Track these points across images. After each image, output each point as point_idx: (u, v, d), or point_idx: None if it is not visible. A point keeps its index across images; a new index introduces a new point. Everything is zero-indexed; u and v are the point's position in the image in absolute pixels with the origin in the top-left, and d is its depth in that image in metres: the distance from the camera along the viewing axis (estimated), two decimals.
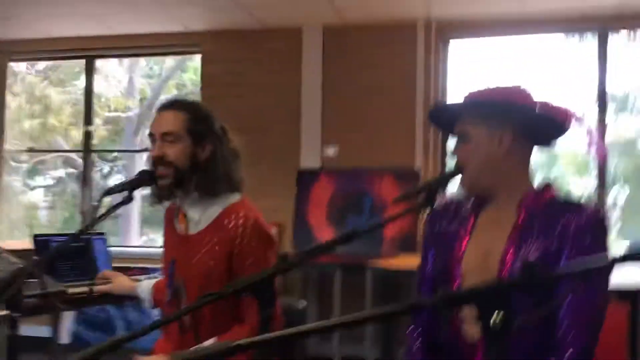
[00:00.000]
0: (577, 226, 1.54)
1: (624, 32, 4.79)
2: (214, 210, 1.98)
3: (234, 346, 0.90)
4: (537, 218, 1.60)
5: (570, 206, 1.59)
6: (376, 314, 0.91)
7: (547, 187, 1.66)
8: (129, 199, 1.88)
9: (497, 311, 0.88)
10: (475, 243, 1.66)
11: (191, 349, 1.65)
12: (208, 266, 1.95)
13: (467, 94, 1.70)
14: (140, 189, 1.93)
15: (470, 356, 1.60)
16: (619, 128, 6.65)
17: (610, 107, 4.95)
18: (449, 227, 1.74)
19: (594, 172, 4.76)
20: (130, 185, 1.89)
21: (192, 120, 1.96)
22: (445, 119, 1.76)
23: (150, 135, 1.96)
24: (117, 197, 1.90)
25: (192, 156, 1.94)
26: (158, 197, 1.97)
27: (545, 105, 1.67)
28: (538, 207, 1.61)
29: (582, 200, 1.62)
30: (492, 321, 0.87)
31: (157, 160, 1.92)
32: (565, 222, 1.55)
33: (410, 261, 3.95)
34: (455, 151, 1.69)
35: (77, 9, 4.72)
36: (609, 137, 4.95)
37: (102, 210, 1.85)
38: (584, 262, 0.93)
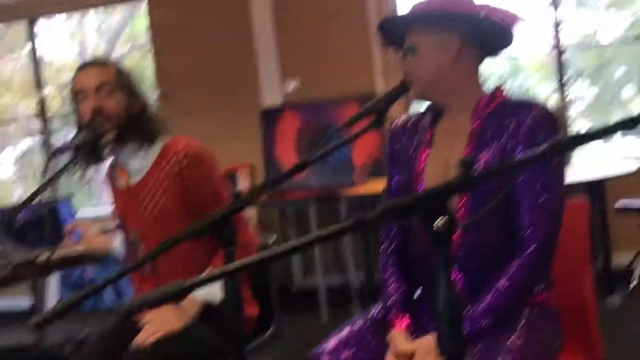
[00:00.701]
0: (529, 123, 1.56)
1: None
2: (152, 153, 1.98)
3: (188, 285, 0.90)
4: (491, 122, 1.62)
5: (521, 106, 1.61)
6: (325, 233, 0.91)
7: (497, 91, 1.67)
8: (76, 159, 1.85)
9: (441, 216, 0.89)
10: (435, 155, 1.68)
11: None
12: (161, 208, 1.95)
13: (413, 5, 1.68)
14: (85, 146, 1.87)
15: None
16: (578, 25, 6.63)
17: (568, 5, 4.91)
18: (408, 144, 1.76)
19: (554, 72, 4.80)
20: (76, 144, 1.84)
21: (120, 73, 1.95)
22: (395, 35, 1.74)
23: (80, 91, 1.91)
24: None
25: (128, 107, 1.93)
26: (96, 155, 1.94)
27: (489, 9, 1.66)
28: (491, 112, 1.63)
29: (532, 99, 1.64)
30: (435, 226, 0.88)
31: (96, 113, 1.87)
32: (517, 121, 1.58)
33: (381, 185, 3.99)
34: (404, 64, 1.68)
35: None
36: (567, 35, 4.94)
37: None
38: (518, 159, 0.93)
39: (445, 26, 1.62)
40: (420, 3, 1.66)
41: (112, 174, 2.07)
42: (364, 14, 4.67)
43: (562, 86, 4.73)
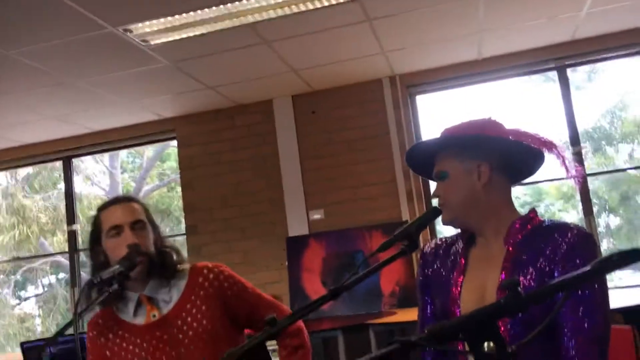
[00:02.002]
0: (566, 246, 1.53)
1: (582, 67, 4.91)
2: (179, 282, 2.00)
3: None
4: (526, 245, 1.59)
5: (557, 228, 1.58)
6: (372, 356, 0.89)
7: (531, 213, 1.66)
8: (114, 290, 1.85)
9: (487, 342, 0.87)
10: (470, 281, 1.65)
11: None
12: (203, 330, 1.93)
13: (442, 130, 1.72)
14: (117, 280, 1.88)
15: None
16: (599, 160, 6.76)
17: (587, 143, 5.01)
18: (441, 269, 1.73)
19: (579, 202, 4.78)
20: (115, 275, 1.85)
21: (147, 210, 2.04)
22: (422, 162, 1.77)
23: (115, 227, 1.94)
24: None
25: (156, 242, 2.00)
26: (115, 292, 1.91)
27: (518, 132, 1.70)
28: (525, 235, 1.61)
29: (567, 222, 1.62)
30: (484, 349, 0.85)
31: (135, 249, 1.90)
32: (554, 244, 1.55)
33: (411, 315, 3.89)
34: (436, 190, 1.70)
35: (45, 112, 4.77)
36: (590, 168, 4.98)
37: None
38: (561, 279, 0.92)
39: (474, 150, 1.64)
40: (450, 128, 1.69)
41: (137, 311, 2.02)
42: (388, 145, 4.82)
43: (588, 215, 4.67)
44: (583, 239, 1.54)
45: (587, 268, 0.89)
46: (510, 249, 1.60)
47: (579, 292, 1.50)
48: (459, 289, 1.65)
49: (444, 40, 4.32)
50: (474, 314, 0.88)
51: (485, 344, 0.87)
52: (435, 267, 1.76)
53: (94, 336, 2.02)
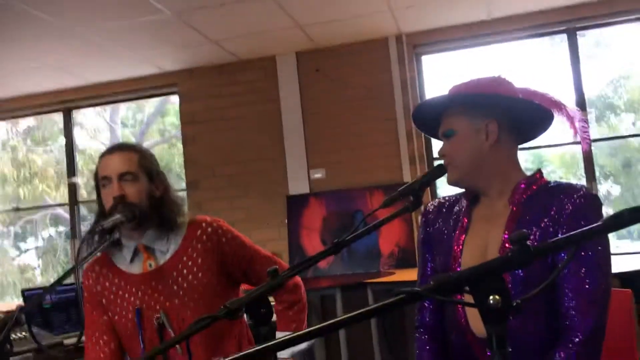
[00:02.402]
0: (571, 207, 1.52)
1: (590, 32, 4.82)
2: (178, 233, 2.00)
3: None
4: (531, 205, 1.58)
5: (562, 189, 1.57)
6: (373, 308, 0.88)
7: (536, 174, 1.65)
8: (112, 239, 1.85)
9: (492, 295, 0.86)
10: (472, 239, 1.64)
11: None
12: (198, 283, 1.94)
13: (450, 87, 1.69)
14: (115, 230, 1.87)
15: (481, 351, 1.56)
16: (602, 128, 6.71)
17: (592, 110, 4.95)
18: (443, 227, 1.73)
19: (581, 168, 4.76)
20: (102, 229, 1.84)
21: (143, 159, 2.00)
22: (429, 119, 1.74)
23: (104, 178, 1.94)
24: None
25: (149, 194, 1.96)
26: (113, 240, 1.92)
27: (528, 91, 1.67)
28: (531, 195, 1.60)
29: (573, 184, 1.60)
30: (489, 302, 0.84)
31: (119, 200, 1.89)
32: (559, 205, 1.53)
33: (409, 275, 3.91)
34: (443, 148, 1.67)
35: (47, 62, 4.71)
36: (592, 135, 4.94)
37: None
38: (569, 235, 0.90)
39: (484, 109, 1.61)
40: (458, 85, 1.66)
41: (133, 259, 2.03)
42: (392, 105, 4.77)
43: (591, 182, 4.65)
44: (589, 200, 1.53)
45: (599, 224, 0.88)
46: (515, 208, 1.59)
47: (582, 253, 1.49)
48: (460, 247, 1.65)
49: None
50: (481, 267, 0.87)
51: (491, 297, 0.86)
52: (437, 225, 1.75)
53: (91, 283, 2.04)
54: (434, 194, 4.84)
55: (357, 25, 4.54)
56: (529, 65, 5.33)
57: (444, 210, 1.77)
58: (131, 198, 1.91)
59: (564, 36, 4.76)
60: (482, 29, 4.73)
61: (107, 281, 2.01)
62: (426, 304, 1.76)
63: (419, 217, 1.85)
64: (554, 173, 7.49)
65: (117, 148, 2.00)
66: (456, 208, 1.75)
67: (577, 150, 4.84)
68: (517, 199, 1.60)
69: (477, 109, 1.62)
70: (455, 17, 4.59)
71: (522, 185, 1.62)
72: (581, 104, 4.65)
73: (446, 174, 1.66)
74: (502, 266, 0.87)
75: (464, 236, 1.66)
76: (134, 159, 1.97)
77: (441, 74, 5.19)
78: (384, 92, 4.80)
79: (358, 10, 4.28)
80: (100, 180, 1.95)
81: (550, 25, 4.72)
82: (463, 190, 1.74)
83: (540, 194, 1.60)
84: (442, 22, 4.69)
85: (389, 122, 4.76)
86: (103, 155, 1.99)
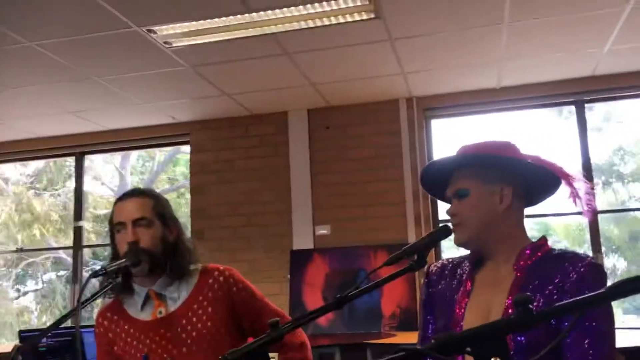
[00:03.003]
0: (576, 276, 1.50)
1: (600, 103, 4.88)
2: (190, 280, 2.00)
3: None
4: (536, 272, 1.57)
5: (567, 258, 1.56)
6: None
7: (542, 240, 1.64)
8: (114, 284, 1.85)
9: (494, 357, 0.85)
10: (475, 303, 1.62)
11: None
12: (207, 332, 1.93)
13: (460, 148, 1.69)
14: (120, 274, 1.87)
15: None
16: (608, 197, 6.72)
17: (598, 179, 4.97)
18: (446, 289, 1.71)
19: (588, 240, 4.73)
20: (111, 270, 1.85)
21: (158, 204, 2.01)
22: (437, 179, 1.74)
23: (119, 223, 1.96)
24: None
25: (163, 239, 1.98)
26: (128, 285, 1.94)
27: (539, 159, 1.68)
28: (535, 261, 1.59)
29: (578, 252, 1.59)
30: None
31: (133, 246, 1.90)
32: (563, 273, 1.52)
33: (410, 339, 3.85)
34: (453, 208, 1.66)
35: (62, 106, 4.80)
36: (599, 205, 4.93)
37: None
38: (573, 300, 0.90)
39: (499, 173, 1.61)
40: (468, 146, 1.66)
41: (144, 305, 2.02)
42: (400, 167, 4.82)
43: (597, 254, 4.59)
44: (593, 270, 1.52)
45: (601, 291, 0.88)
46: (519, 274, 1.58)
47: (586, 323, 1.47)
48: (462, 310, 1.63)
49: (464, 65, 4.33)
50: (484, 327, 0.87)
51: (492, 359, 0.85)
52: (440, 287, 1.73)
53: (102, 331, 2.03)
54: (438, 255, 4.82)
55: (369, 86, 4.64)
56: (536, 132, 5.39)
57: (447, 271, 1.76)
58: (145, 243, 1.93)
59: (573, 108, 4.84)
60: (491, 97, 4.81)
61: (118, 327, 2.01)
62: None
63: (422, 279, 1.83)
64: (559, 243, 7.45)
65: (132, 194, 2.02)
66: (459, 270, 1.73)
67: (583, 220, 4.83)
68: (522, 265, 1.59)
69: (492, 171, 1.62)
70: (465, 83, 4.68)
71: (527, 252, 1.61)
72: (587, 172, 4.67)
73: (453, 235, 1.65)
74: (505, 328, 0.87)
75: (466, 300, 1.65)
76: (149, 205, 1.99)
77: (450, 138, 5.25)
78: (392, 153, 4.85)
79: (371, 72, 4.38)
80: (115, 226, 1.97)
81: (560, 97, 4.80)
82: (467, 252, 1.73)
83: (545, 261, 1.59)
84: (452, 88, 4.78)
85: (396, 182, 4.80)
86: (118, 201, 2.01)
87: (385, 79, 4.52)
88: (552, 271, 1.54)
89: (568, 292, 1.50)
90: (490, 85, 4.74)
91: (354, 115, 5.00)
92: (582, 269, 1.51)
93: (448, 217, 1.69)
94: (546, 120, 5.38)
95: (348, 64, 4.21)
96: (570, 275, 1.51)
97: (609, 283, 1.54)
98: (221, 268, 2.04)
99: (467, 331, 0.88)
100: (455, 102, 4.90)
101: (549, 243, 1.65)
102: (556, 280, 1.52)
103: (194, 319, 1.94)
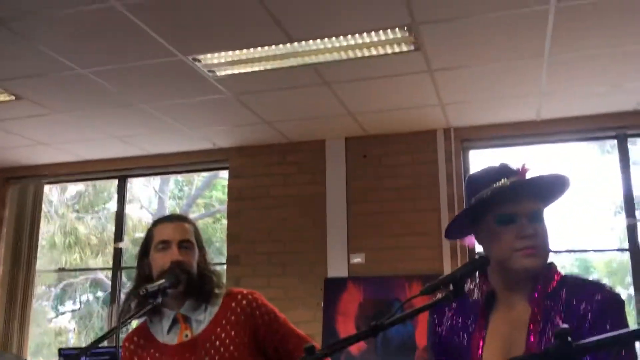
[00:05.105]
0: (595, 307, 1.48)
1: None
2: (215, 303, 2.04)
3: None
4: (552, 304, 1.54)
5: (583, 287, 1.54)
6: None
7: (551, 267, 1.61)
8: (155, 304, 1.89)
9: None
10: (493, 339, 1.58)
11: None
12: (232, 355, 1.95)
13: (535, 173, 1.63)
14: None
15: None
16: None
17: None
18: (457, 325, 1.66)
19: (630, 277, 4.61)
20: (161, 289, 1.89)
21: (196, 231, 2.12)
22: (478, 214, 1.66)
23: (163, 242, 2.02)
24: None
25: (198, 264, 2.05)
26: (156, 305, 1.95)
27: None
28: (550, 292, 1.56)
29: (595, 280, 1.58)
30: None
31: (177, 264, 1.96)
32: (581, 304, 1.49)
33: None
34: (530, 229, 1.56)
35: (106, 130, 4.95)
36: None
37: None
38: (612, 335, 0.90)
39: (551, 202, 1.64)
40: (546, 174, 1.61)
41: (170, 329, 2.05)
42: (436, 198, 4.80)
43: (638, 291, 4.47)
44: (613, 301, 1.49)
45: (626, 333, 0.87)
46: (536, 309, 1.55)
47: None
48: (480, 351, 1.59)
49: (503, 97, 4.32)
50: (523, 358, 0.87)
51: None
52: (449, 324, 1.68)
53: (129, 352, 2.06)
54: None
55: (407, 116, 4.66)
56: (577, 165, 5.31)
57: (455, 305, 1.71)
58: (187, 265, 1.99)
59: (614, 142, 4.76)
60: (530, 129, 4.78)
61: (144, 352, 2.04)
62: None
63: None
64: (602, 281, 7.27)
65: (176, 218, 2.12)
66: (469, 304, 1.67)
67: (624, 257, 4.70)
68: (537, 298, 1.57)
69: (548, 201, 1.64)
70: (504, 115, 4.67)
71: (539, 287, 1.58)
72: (630, 209, 4.57)
73: (522, 259, 1.54)
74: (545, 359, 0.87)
75: (483, 332, 1.61)
76: (190, 230, 2.08)
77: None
78: (429, 183, 4.85)
79: (409, 102, 4.41)
80: (156, 244, 2.02)
81: (601, 131, 4.73)
82: (474, 283, 1.69)
83: (560, 291, 1.56)
84: (491, 119, 4.77)
85: (432, 212, 4.78)
86: (161, 222, 2.09)
87: (424, 110, 4.54)
88: (570, 303, 1.52)
89: (589, 323, 1.47)
90: (529, 118, 4.71)
91: (391, 145, 5.02)
92: (601, 300, 1.49)
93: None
94: (587, 153, 5.30)
95: (387, 94, 4.24)
96: (589, 307, 1.49)
97: None
98: (245, 292, 2.07)
99: None
100: (493, 134, 4.88)
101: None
102: (576, 312, 1.50)
103: (217, 343, 1.97)
